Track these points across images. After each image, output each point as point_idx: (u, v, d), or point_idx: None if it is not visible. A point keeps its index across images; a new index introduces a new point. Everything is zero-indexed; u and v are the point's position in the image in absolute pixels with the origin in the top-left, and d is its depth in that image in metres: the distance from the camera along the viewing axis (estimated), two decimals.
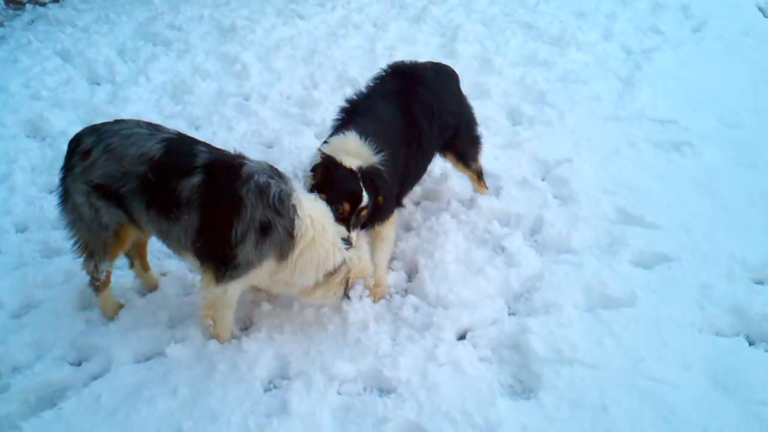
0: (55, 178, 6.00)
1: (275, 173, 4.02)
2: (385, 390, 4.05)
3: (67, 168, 4.14)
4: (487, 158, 6.11)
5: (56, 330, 4.51)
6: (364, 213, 4.38)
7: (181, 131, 4.25)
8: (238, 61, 8.46)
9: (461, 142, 5.44)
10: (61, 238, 5.28)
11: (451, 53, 8.45)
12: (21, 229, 5.60)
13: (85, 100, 7.71)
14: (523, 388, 4.05)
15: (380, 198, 4.44)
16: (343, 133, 4.59)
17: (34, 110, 7.38)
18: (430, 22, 9.60)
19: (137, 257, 4.78)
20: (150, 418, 3.84)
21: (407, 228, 5.36)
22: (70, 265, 4.98)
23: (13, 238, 5.45)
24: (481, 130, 5.74)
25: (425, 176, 5.65)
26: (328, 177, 4.34)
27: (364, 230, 4.63)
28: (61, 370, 4.25)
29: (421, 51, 8.65)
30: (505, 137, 6.65)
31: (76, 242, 4.32)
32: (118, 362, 4.25)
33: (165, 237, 4.18)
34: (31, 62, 8.66)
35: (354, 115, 4.89)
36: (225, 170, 3.92)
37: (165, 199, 3.94)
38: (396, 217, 5.02)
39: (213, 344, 4.32)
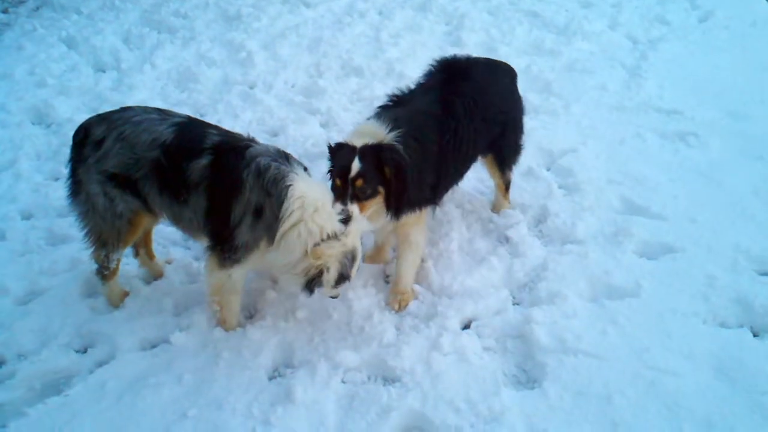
0: (61, 166, 6.07)
1: (281, 156, 4.01)
2: (389, 379, 4.06)
3: (78, 159, 4.12)
4: None
5: (62, 317, 4.53)
6: (359, 183, 4.12)
7: (190, 115, 4.26)
8: (244, 49, 8.45)
9: (506, 144, 5.22)
10: (67, 226, 5.33)
11: (457, 42, 8.42)
12: (26, 217, 5.61)
13: (90, 87, 7.72)
14: (528, 377, 4.06)
15: (388, 170, 4.18)
16: (368, 120, 4.54)
17: (39, 97, 7.40)
18: (435, 10, 9.56)
19: (142, 245, 4.80)
20: (155, 405, 3.86)
21: None
22: (76, 252, 5.01)
23: (18, 226, 5.46)
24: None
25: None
26: (331, 158, 4.33)
27: (389, 217, 4.36)
28: (66, 357, 4.27)
29: (427, 39, 8.64)
30: None
31: (88, 232, 4.31)
32: (124, 349, 4.27)
33: (178, 220, 4.22)
34: (36, 49, 8.68)
35: (390, 106, 4.73)
36: (231, 152, 3.93)
37: (176, 182, 3.97)
38: (426, 218, 4.77)
39: (218, 332, 4.34)
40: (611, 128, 6.51)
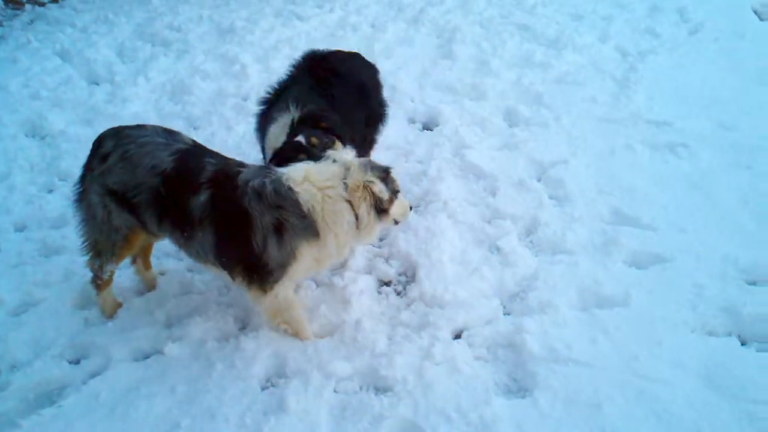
0: (55, 178, 6.13)
1: (266, 170, 4.00)
2: (381, 388, 4.07)
3: (88, 168, 4.18)
4: (483, 159, 6.19)
5: (55, 328, 4.55)
6: (314, 141, 4.48)
7: (196, 140, 4.24)
8: (237, 61, 8.49)
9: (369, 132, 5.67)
10: (60, 237, 5.36)
11: (449, 54, 8.49)
12: (20, 228, 5.63)
13: (84, 99, 7.75)
14: (519, 386, 4.08)
15: (323, 124, 4.68)
16: (275, 122, 4.85)
17: (33, 110, 7.43)
18: (427, 23, 9.62)
19: (140, 255, 4.81)
20: (148, 416, 3.88)
21: (404, 228, 5.37)
22: (69, 264, 5.05)
23: (12, 237, 5.49)
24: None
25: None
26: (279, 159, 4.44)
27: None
28: (59, 367, 4.29)
29: (419, 52, 8.70)
30: (501, 138, 6.69)
31: (85, 240, 4.35)
32: (117, 360, 4.29)
33: (183, 248, 4.23)
34: (30, 62, 8.71)
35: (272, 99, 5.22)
36: (226, 184, 3.90)
37: (177, 216, 3.98)
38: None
39: (210, 343, 4.36)
40: (601, 139, 6.56)
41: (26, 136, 7.07)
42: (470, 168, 6.16)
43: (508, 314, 4.62)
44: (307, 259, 4.04)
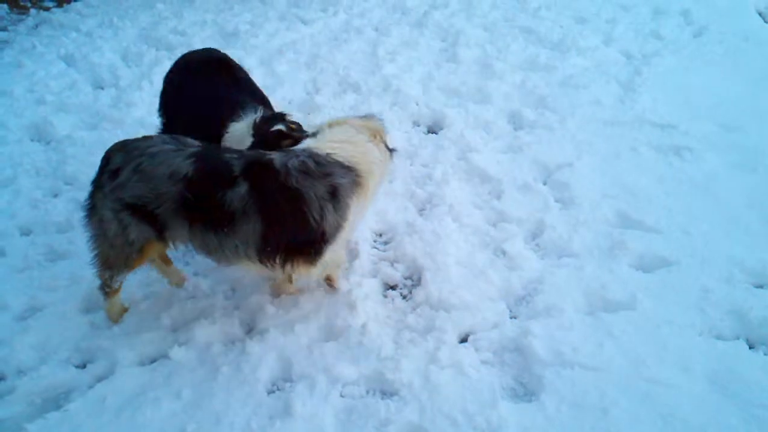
0: (60, 182, 6.14)
1: (294, 152, 4.13)
2: (387, 392, 4.08)
3: (97, 185, 4.12)
4: (488, 162, 6.19)
5: (61, 332, 4.55)
6: (294, 126, 4.75)
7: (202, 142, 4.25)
8: (241, 65, 8.48)
9: None
10: (66, 242, 5.37)
11: (453, 57, 8.49)
12: (26, 233, 5.62)
13: (89, 104, 7.75)
14: (525, 390, 4.08)
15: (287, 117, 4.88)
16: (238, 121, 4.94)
17: (38, 114, 7.42)
18: (431, 26, 9.62)
19: (157, 257, 4.76)
20: (154, 420, 3.88)
21: (410, 231, 5.39)
22: (75, 268, 5.05)
23: (18, 242, 5.48)
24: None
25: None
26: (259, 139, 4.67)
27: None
28: (66, 372, 4.29)
29: (423, 55, 8.69)
30: (506, 141, 6.68)
31: (97, 255, 4.30)
32: (123, 365, 4.29)
33: (212, 250, 4.13)
34: (35, 66, 8.71)
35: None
36: (264, 171, 3.96)
37: (212, 215, 3.94)
38: None
39: (216, 347, 4.37)
40: (606, 142, 6.55)
41: (31, 140, 7.07)
42: (475, 171, 6.16)
43: (515, 318, 4.61)
44: (355, 213, 4.24)
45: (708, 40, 8.70)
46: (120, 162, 3.99)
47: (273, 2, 10.92)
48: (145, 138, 4.16)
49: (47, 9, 11.17)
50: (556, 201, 5.74)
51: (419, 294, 4.80)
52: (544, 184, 6.03)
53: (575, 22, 9.51)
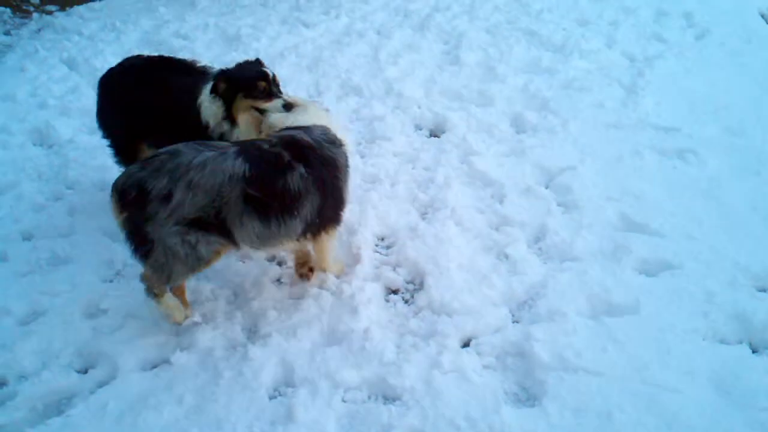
0: (63, 186, 6.13)
1: (308, 128, 4.44)
2: (389, 397, 4.06)
3: (143, 218, 3.93)
4: (490, 165, 6.17)
5: (63, 337, 4.54)
6: (277, 80, 4.96)
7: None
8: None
9: None
10: (68, 246, 5.38)
11: (455, 60, 8.48)
12: (28, 237, 5.62)
13: (91, 108, 7.63)
14: (528, 395, 4.06)
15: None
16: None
17: (40, 118, 7.43)
18: (434, 29, 9.62)
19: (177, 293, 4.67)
20: (156, 426, 3.88)
21: (412, 235, 5.37)
22: (77, 272, 5.06)
23: (20, 246, 5.48)
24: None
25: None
26: (230, 78, 4.85)
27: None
28: (67, 377, 4.28)
29: (425, 58, 8.69)
30: (508, 145, 6.66)
31: (167, 275, 4.22)
32: (125, 370, 4.28)
33: (272, 237, 4.24)
34: (37, 71, 8.73)
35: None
36: (304, 149, 4.24)
37: (282, 201, 4.12)
38: None
39: (218, 352, 4.36)
40: (609, 146, 6.54)
41: (34, 144, 7.08)
42: (477, 175, 6.14)
43: (517, 322, 4.59)
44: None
45: (711, 43, 8.68)
46: (166, 185, 3.86)
47: (275, 6, 10.93)
48: (171, 154, 3.99)
49: (50, 13, 11.20)
50: (559, 205, 5.72)
51: (421, 298, 4.78)
52: (547, 187, 6.01)
53: (578, 25, 9.50)
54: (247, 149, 4.09)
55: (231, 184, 3.92)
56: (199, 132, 4.85)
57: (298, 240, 4.42)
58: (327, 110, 4.78)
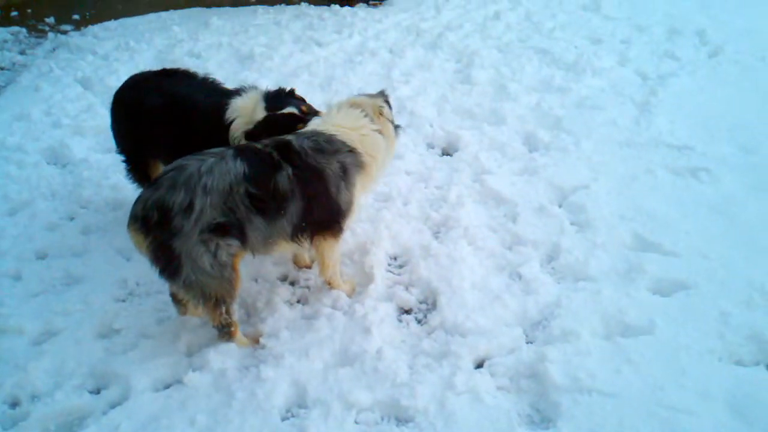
0: (77, 205, 6.17)
1: (306, 133, 4.54)
2: (402, 419, 4.03)
3: (169, 235, 3.95)
4: (503, 184, 6.17)
5: (76, 357, 4.53)
6: (305, 109, 5.04)
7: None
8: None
9: None
10: (82, 265, 5.37)
11: (467, 79, 8.51)
12: (42, 256, 5.64)
13: (105, 127, 7.72)
14: (542, 417, 4.03)
15: (298, 95, 5.32)
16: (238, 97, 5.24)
17: (55, 137, 7.48)
18: (446, 48, 9.66)
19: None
20: None
21: (425, 255, 5.36)
22: (90, 292, 5.05)
23: (34, 265, 5.49)
24: None
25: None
26: (269, 124, 4.83)
27: None
28: (80, 398, 4.26)
29: (437, 77, 8.72)
30: (521, 163, 6.66)
31: (202, 297, 4.23)
32: (137, 390, 4.26)
33: (267, 239, 4.36)
34: (52, 90, 8.80)
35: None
36: (291, 153, 4.33)
37: (274, 200, 4.22)
38: None
39: (231, 372, 4.34)
40: (622, 164, 6.52)
41: (48, 163, 7.12)
42: (490, 193, 6.14)
43: (531, 343, 4.56)
44: (359, 192, 4.73)
45: (724, 60, 8.68)
46: (185, 196, 3.92)
47: (288, 25, 11.02)
48: (178, 168, 4.05)
49: (65, 32, 11.33)
50: (572, 224, 5.70)
51: (434, 318, 4.76)
52: (560, 206, 5.99)
53: (590, 43, 9.52)
54: (243, 151, 4.25)
55: (236, 185, 4.06)
56: None
57: (293, 241, 4.52)
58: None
